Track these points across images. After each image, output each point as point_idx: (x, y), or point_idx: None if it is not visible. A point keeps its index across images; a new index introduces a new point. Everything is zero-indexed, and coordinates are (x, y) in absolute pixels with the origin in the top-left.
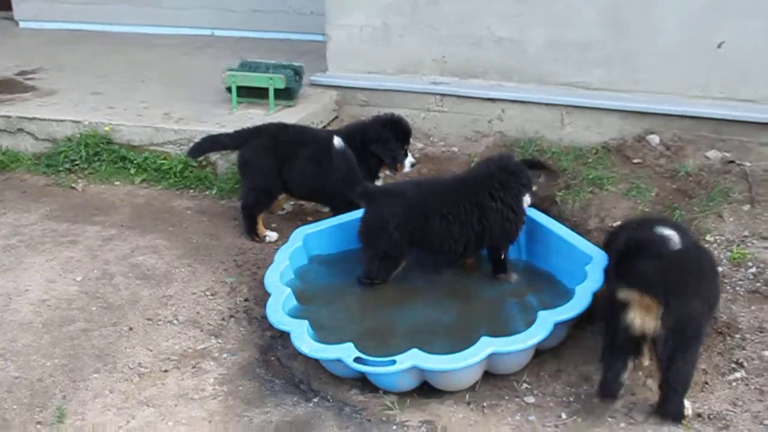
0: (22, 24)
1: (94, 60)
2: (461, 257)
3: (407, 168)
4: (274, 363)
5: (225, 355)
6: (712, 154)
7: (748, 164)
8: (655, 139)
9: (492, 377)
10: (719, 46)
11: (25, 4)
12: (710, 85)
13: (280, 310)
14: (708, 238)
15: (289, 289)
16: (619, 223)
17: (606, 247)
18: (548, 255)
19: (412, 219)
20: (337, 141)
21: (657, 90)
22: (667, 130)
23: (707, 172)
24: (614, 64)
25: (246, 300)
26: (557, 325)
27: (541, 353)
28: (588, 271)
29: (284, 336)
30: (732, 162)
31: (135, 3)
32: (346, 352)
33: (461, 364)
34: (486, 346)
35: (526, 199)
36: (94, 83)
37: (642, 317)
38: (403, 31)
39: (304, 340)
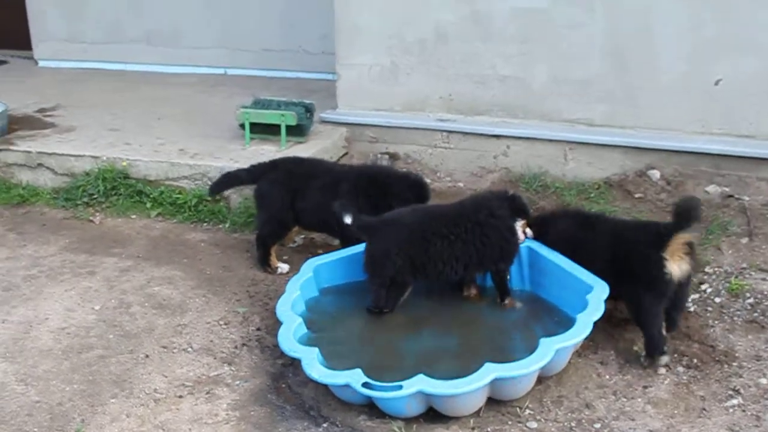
0: (41, 63)
1: (111, 97)
2: (462, 280)
3: None
4: (285, 390)
5: (237, 382)
6: (712, 188)
7: (747, 198)
8: (656, 174)
9: (496, 403)
10: (716, 83)
11: (44, 44)
12: (709, 121)
13: (291, 337)
14: (707, 269)
15: (300, 318)
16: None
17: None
18: (551, 285)
19: (413, 244)
20: (348, 219)
21: (658, 126)
22: (667, 165)
23: (707, 206)
24: (616, 101)
25: (258, 329)
26: (559, 351)
27: (543, 380)
28: (589, 300)
29: (295, 364)
30: (731, 196)
31: (152, 42)
32: (354, 378)
33: (466, 388)
34: (490, 372)
35: (528, 232)
36: (110, 120)
37: (679, 265)
38: (411, 70)
39: (314, 366)
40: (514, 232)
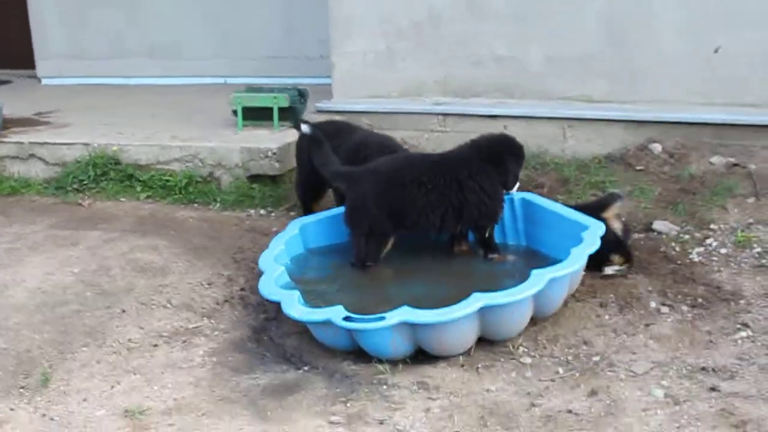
0: (44, 81)
1: (109, 102)
2: (440, 233)
3: None
4: (267, 341)
5: (216, 333)
6: (716, 159)
7: (753, 167)
8: (657, 147)
9: (488, 344)
10: (716, 51)
11: (47, 62)
12: (710, 92)
13: (272, 283)
14: (712, 226)
15: (282, 267)
16: None
17: None
18: (546, 235)
19: (391, 190)
20: (305, 127)
21: (658, 99)
22: (669, 138)
23: (711, 175)
24: (614, 76)
25: (242, 289)
26: (552, 283)
27: (539, 322)
28: (584, 237)
29: (279, 318)
30: (737, 165)
31: (154, 56)
32: (335, 313)
33: (452, 315)
34: (477, 300)
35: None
36: (106, 118)
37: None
38: (406, 54)
39: (294, 305)
40: (494, 194)
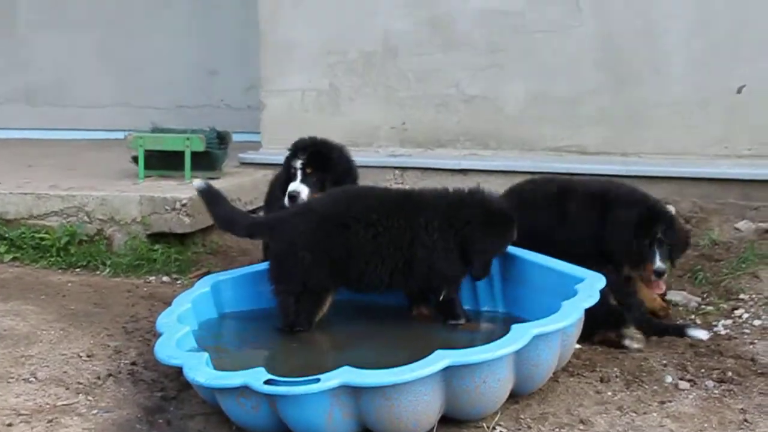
0: None
1: None
2: (389, 289)
3: None
4: (162, 424)
5: (95, 411)
6: (743, 224)
7: None
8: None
9: (454, 424)
10: (739, 90)
11: None
12: (734, 140)
13: (172, 345)
14: (741, 296)
15: (187, 328)
16: None
17: None
18: (531, 296)
19: (329, 233)
20: (197, 182)
21: (668, 150)
22: (684, 198)
23: (738, 241)
24: (614, 122)
25: (133, 363)
26: (538, 341)
27: (521, 399)
28: (579, 289)
29: (180, 398)
30: None
31: (33, 102)
32: (254, 376)
33: (409, 376)
34: (442, 357)
35: None
36: None
37: None
38: (355, 94)
39: (200, 369)
40: (448, 257)
